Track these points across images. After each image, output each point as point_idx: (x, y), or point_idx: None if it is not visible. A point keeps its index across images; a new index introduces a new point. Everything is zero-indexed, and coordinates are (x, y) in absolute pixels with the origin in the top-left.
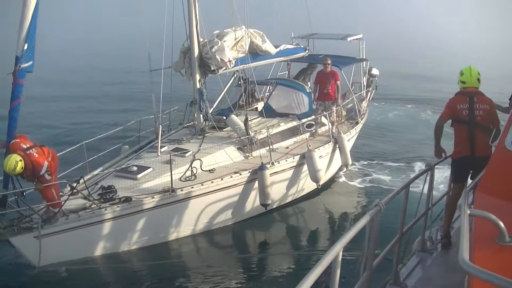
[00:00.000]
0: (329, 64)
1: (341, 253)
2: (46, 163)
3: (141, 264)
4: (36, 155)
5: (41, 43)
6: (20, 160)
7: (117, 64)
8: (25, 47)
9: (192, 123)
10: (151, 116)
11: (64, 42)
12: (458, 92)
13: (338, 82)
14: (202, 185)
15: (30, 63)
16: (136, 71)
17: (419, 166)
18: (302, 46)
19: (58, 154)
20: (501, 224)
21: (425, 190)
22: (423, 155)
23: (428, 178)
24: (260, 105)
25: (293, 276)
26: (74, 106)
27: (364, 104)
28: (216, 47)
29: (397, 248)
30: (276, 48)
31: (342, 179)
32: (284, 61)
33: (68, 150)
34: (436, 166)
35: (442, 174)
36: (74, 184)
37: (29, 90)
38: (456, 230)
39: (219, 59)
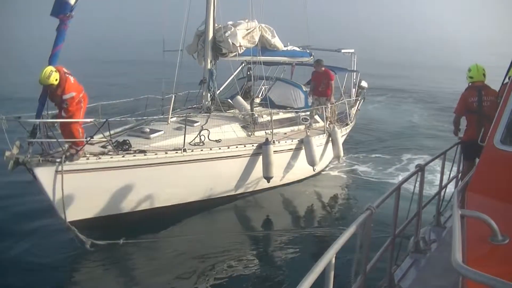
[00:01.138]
0: (321, 64)
1: (334, 258)
2: (74, 94)
3: (149, 219)
4: (72, 82)
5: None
6: (56, 72)
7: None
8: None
9: (197, 105)
10: (158, 96)
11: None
12: (468, 87)
13: (332, 82)
14: (210, 149)
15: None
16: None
17: (404, 156)
18: (308, 51)
19: None
20: (493, 223)
21: (417, 191)
22: (405, 146)
23: (418, 178)
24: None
25: (286, 253)
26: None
27: (353, 111)
28: (229, 32)
29: (391, 250)
30: (284, 46)
31: (334, 168)
32: (289, 63)
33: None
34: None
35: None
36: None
37: None
38: (449, 230)
39: (231, 43)
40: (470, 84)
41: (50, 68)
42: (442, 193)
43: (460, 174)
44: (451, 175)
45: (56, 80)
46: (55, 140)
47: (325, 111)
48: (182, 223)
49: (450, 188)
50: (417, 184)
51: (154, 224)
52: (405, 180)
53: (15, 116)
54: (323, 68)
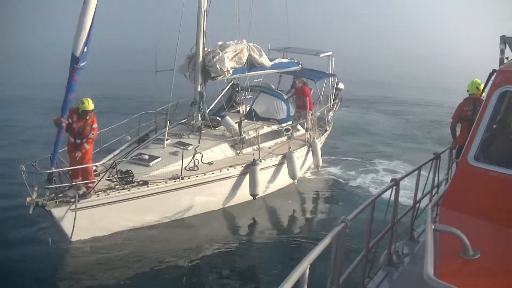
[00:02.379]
0: (298, 81)
1: (308, 270)
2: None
3: (154, 240)
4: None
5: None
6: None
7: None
8: (85, 50)
9: (187, 120)
10: (149, 112)
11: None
12: (465, 98)
13: (307, 98)
14: (204, 174)
15: (84, 63)
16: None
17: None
18: (295, 61)
19: None
20: (465, 238)
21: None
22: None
23: (393, 192)
24: (241, 109)
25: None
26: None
27: (331, 114)
28: (217, 57)
29: (364, 262)
30: (271, 61)
31: (311, 174)
32: (277, 72)
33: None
34: (401, 181)
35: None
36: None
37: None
38: (422, 244)
39: (219, 68)
40: (468, 95)
41: (86, 98)
42: (416, 208)
43: (437, 188)
44: (426, 190)
45: (92, 110)
46: (69, 184)
47: (306, 123)
48: (176, 238)
49: (425, 202)
50: (392, 198)
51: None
52: (380, 194)
53: (32, 163)
54: (300, 85)
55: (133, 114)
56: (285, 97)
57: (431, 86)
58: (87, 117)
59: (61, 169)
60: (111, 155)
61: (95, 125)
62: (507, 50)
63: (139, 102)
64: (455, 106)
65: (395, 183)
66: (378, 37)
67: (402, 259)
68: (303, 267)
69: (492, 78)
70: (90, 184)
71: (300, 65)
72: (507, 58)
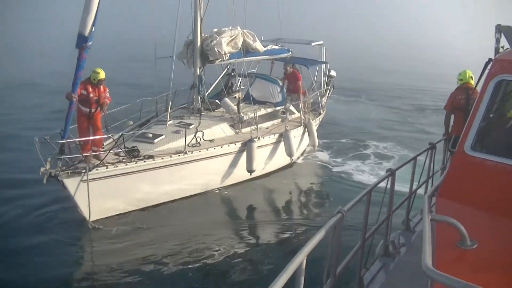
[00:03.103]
0: (289, 67)
1: (304, 261)
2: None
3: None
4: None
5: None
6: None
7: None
8: (93, 29)
9: (186, 104)
10: (149, 98)
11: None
12: (457, 87)
13: (299, 82)
14: (207, 150)
15: (91, 42)
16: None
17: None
18: (286, 48)
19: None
20: (462, 228)
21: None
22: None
23: (389, 183)
24: (237, 95)
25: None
26: None
27: (324, 99)
28: (215, 41)
29: (360, 253)
30: (264, 47)
31: (307, 155)
32: (269, 59)
33: None
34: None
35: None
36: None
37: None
38: (418, 234)
39: (217, 51)
40: (459, 85)
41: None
42: (412, 198)
43: (432, 178)
44: (422, 180)
45: (104, 78)
46: (80, 155)
47: (301, 105)
48: (181, 214)
49: (420, 192)
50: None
51: (160, 215)
52: (376, 184)
53: (45, 137)
54: (290, 70)
55: (134, 100)
56: (280, 83)
57: (421, 73)
58: (100, 86)
59: (72, 140)
60: (116, 136)
61: (108, 93)
62: (503, 39)
63: (139, 90)
64: (444, 92)
65: (391, 173)
66: (368, 27)
67: (398, 249)
68: (299, 259)
69: (488, 67)
70: (101, 154)
71: (290, 52)
72: (502, 47)
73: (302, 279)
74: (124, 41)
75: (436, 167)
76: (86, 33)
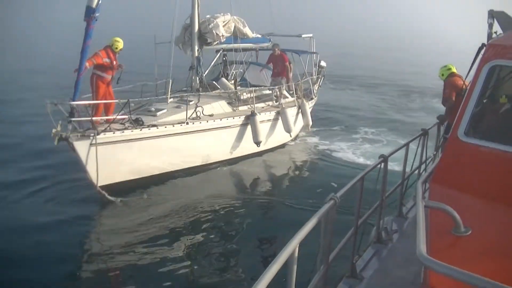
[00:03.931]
0: (277, 48)
1: (297, 249)
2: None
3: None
4: None
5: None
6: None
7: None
8: (100, 1)
9: (186, 88)
10: (150, 83)
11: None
12: (451, 74)
13: (287, 63)
14: (207, 122)
15: (98, 13)
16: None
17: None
18: (268, 37)
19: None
20: (456, 215)
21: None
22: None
23: (382, 168)
24: (234, 75)
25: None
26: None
27: (316, 87)
28: (212, 24)
29: (353, 240)
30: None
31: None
32: (255, 49)
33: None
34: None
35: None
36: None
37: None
38: (410, 220)
39: (215, 33)
40: (451, 73)
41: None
42: (405, 184)
43: (425, 164)
44: (414, 166)
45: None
46: (89, 118)
47: (292, 88)
48: (182, 184)
49: (413, 178)
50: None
51: (165, 184)
52: (369, 170)
53: (54, 102)
54: (278, 52)
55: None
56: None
57: (407, 61)
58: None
59: (81, 102)
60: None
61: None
62: (495, 24)
63: (139, 74)
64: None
65: (384, 159)
66: (358, 19)
67: (391, 235)
68: (292, 247)
69: (481, 52)
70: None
71: (270, 42)
72: (495, 32)
73: (295, 267)
74: (124, 28)
75: (429, 153)
76: (94, 4)
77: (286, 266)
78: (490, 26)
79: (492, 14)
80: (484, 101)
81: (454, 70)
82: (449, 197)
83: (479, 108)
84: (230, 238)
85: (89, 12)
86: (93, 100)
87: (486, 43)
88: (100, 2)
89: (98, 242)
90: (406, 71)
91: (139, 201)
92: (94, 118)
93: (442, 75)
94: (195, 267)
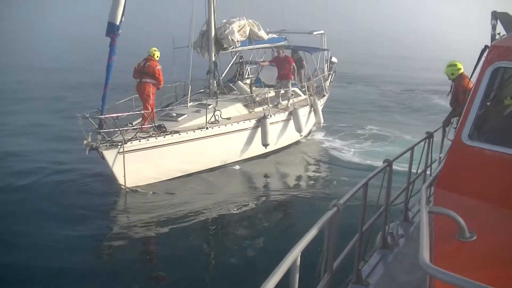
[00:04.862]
0: (282, 51)
1: (299, 258)
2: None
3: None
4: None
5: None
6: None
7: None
8: (123, 19)
9: (204, 89)
10: (169, 85)
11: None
12: (461, 75)
13: (293, 64)
14: (225, 126)
15: (120, 30)
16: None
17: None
18: (283, 36)
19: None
20: (461, 220)
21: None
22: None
23: (386, 173)
24: (248, 81)
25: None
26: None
27: (327, 83)
28: (228, 30)
29: (358, 246)
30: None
31: (314, 135)
32: (270, 47)
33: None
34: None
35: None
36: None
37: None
38: (417, 225)
39: (230, 39)
40: (463, 73)
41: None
42: (410, 188)
43: (430, 167)
44: (420, 169)
45: (158, 56)
46: (117, 129)
47: (287, 92)
48: (203, 185)
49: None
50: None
51: (186, 185)
52: (373, 175)
53: (83, 115)
54: (283, 54)
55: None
56: (266, 63)
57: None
58: (152, 64)
59: (108, 115)
60: (139, 120)
61: (159, 67)
62: (499, 25)
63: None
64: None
65: (388, 164)
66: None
67: (397, 240)
68: (293, 255)
69: (485, 54)
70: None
71: (287, 40)
72: (498, 33)
73: (297, 275)
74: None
75: (434, 156)
76: (117, 22)
77: (288, 275)
78: (494, 27)
79: (495, 15)
80: (488, 103)
81: (462, 69)
82: (453, 202)
83: (483, 110)
84: (237, 242)
85: (113, 29)
86: (145, 106)
87: (489, 44)
88: (123, 19)
89: (125, 232)
90: (413, 68)
91: (162, 199)
92: (122, 129)
93: (452, 74)
94: (192, 270)
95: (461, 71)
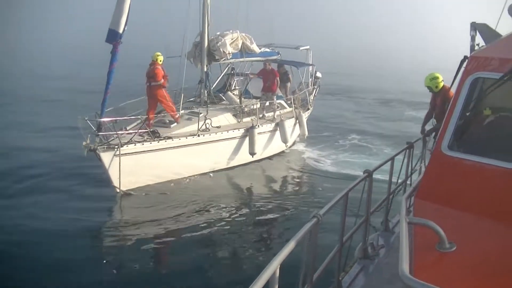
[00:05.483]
0: (268, 64)
1: (278, 270)
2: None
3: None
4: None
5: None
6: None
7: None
8: (126, 28)
9: (194, 98)
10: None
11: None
12: (446, 86)
13: (278, 78)
14: (216, 133)
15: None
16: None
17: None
18: (276, 51)
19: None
20: (441, 230)
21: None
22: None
23: (366, 184)
24: (236, 92)
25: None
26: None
27: (312, 97)
28: (220, 42)
29: (338, 257)
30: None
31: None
32: (262, 61)
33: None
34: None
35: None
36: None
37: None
38: (397, 235)
39: (222, 51)
40: (443, 85)
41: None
42: (391, 198)
43: (411, 177)
44: (400, 179)
45: (161, 61)
46: (115, 133)
47: (272, 104)
48: (193, 189)
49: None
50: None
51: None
52: (353, 186)
53: (82, 117)
54: (270, 67)
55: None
56: (251, 76)
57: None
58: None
59: (108, 119)
60: (133, 124)
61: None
62: (478, 36)
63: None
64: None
65: (368, 174)
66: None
67: (377, 251)
68: (272, 267)
69: (464, 65)
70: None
71: (279, 54)
72: (477, 44)
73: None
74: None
75: (414, 166)
76: (120, 30)
77: (267, 287)
78: (473, 38)
79: (474, 26)
80: (468, 114)
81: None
82: (433, 212)
83: (463, 121)
84: (215, 252)
85: (114, 36)
86: (151, 108)
87: (468, 55)
88: (126, 28)
89: (119, 231)
90: (390, 81)
91: (154, 200)
92: (120, 132)
93: (436, 87)
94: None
95: (443, 82)
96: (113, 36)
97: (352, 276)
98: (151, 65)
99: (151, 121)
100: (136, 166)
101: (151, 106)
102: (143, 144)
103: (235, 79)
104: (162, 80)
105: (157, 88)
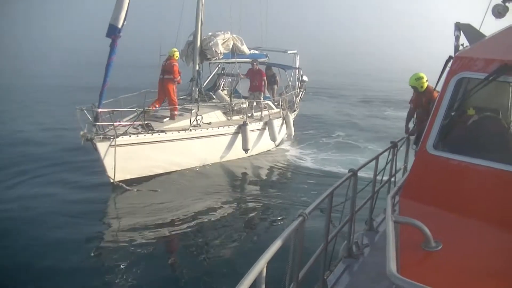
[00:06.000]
0: (256, 64)
1: (265, 269)
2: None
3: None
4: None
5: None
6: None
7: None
8: (125, 23)
9: (185, 96)
10: (153, 90)
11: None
12: (430, 86)
13: (264, 78)
14: (207, 129)
15: (122, 32)
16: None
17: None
18: (264, 53)
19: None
20: (426, 229)
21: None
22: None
23: (351, 183)
24: (226, 91)
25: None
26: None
27: (298, 99)
28: (212, 42)
29: (323, 256)
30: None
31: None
32: (250, 63)
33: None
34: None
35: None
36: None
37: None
38: (381, 234)
39: (214, 50)
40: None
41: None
42: (375, 198)
43: (395, 176)
44: (384, 178)
45: (177, 56)
46: (111, 123)
47: (281, 102)
48: (184, 182)
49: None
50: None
51: (169, 181)
52: (338, 185)
53: (80, 108)
54: (257, 67)
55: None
56: (242, 77)
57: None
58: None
59: (105, 110)
60: (129, 117)
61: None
62: (462, 36)
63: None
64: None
65: (353, 173)
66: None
67: (362, 250)
68: (259, 267)
69: (448, 65)
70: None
71: (267, 57)
72: (462, 44)
73: (263, 287)
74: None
75: (399, 165)
76: (120, 25)
77: (254, 286)
78: (457, 38)
79: (458, 27)
80: (452, 113)
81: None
82: (419, 211)
83: (448, 120)
84: (201, 252)
85: (114, 31)
86: (159, 99)
87: (453, 55)
88: (125, 23)
89: (113, 222)
90: (370, 80)
91: (147, 193)
92: (116, 124)
93: (422, 87)
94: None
95: (427, 82)
96: (112, 31)
97: (337, 275)
98: (167, 60)
99: (154, 108)
100: (130, 157)
101: (160, 98)
102: (137, 136)
103: (224, 80)
104: (179, 77)
105: (169, 82)
